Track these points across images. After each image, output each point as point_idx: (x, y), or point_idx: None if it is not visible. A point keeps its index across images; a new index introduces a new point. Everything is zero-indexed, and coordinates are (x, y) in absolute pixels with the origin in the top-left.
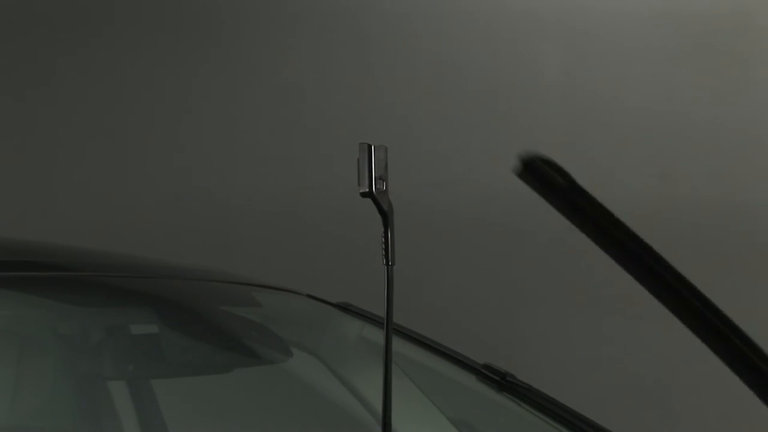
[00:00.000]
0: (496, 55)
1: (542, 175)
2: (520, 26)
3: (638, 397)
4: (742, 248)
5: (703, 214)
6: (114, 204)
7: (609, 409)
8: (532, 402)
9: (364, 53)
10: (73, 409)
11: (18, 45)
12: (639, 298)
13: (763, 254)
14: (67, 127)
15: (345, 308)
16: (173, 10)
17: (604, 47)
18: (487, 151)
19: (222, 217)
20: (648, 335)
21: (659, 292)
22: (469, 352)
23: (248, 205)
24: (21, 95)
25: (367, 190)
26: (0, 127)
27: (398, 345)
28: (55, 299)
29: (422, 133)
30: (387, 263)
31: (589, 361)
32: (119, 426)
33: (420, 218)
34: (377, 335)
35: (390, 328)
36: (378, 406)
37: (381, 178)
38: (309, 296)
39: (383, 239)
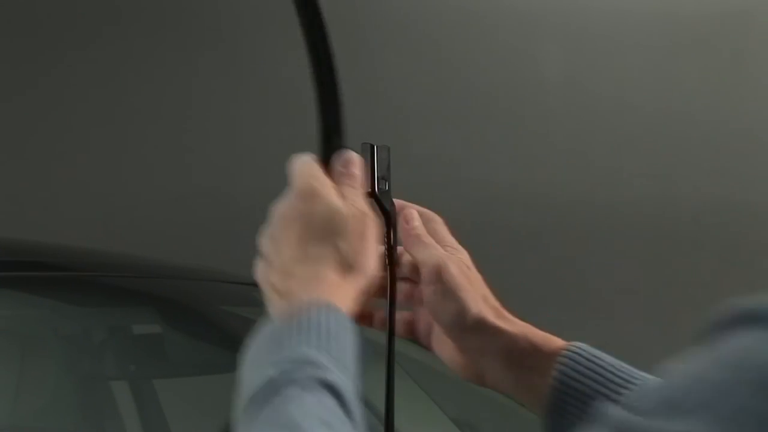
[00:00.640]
0: (497, 55)
1: None
2: (521, 26)
3: None
4: (742, 246)
5: (703, 213)
6: (114, 204)
7: None
8: None
9: (366, 53)
10: (75, 409)
11: (18, 45)
12: (646, 301)
13: (764, 253)
14: (67, 127)
15: None
16: (175, 10)
17: (605, 48)
18: (486, 151)
19: (222, 217)
20: (648, 335)
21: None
22: None
23: (250, 205)
24: (21, 95)
25: (370, 190)
26: (0, 128)
27: (400, 345)
28: (57, 299)
29: (422, 133)
30: (389, 264)
31: None
32: (120, 425)
33: None
34: (379, 335)
35: (393, 328)
36: (380, 405)
37: (384, 179)
38: None
39: (386, 240)
